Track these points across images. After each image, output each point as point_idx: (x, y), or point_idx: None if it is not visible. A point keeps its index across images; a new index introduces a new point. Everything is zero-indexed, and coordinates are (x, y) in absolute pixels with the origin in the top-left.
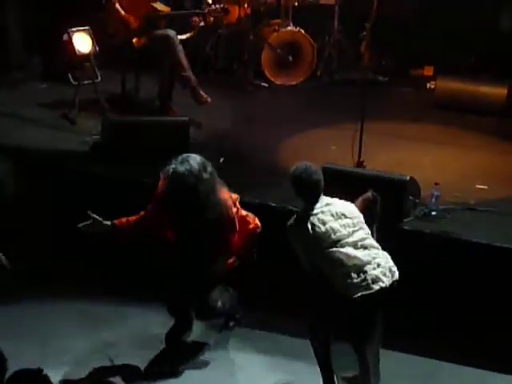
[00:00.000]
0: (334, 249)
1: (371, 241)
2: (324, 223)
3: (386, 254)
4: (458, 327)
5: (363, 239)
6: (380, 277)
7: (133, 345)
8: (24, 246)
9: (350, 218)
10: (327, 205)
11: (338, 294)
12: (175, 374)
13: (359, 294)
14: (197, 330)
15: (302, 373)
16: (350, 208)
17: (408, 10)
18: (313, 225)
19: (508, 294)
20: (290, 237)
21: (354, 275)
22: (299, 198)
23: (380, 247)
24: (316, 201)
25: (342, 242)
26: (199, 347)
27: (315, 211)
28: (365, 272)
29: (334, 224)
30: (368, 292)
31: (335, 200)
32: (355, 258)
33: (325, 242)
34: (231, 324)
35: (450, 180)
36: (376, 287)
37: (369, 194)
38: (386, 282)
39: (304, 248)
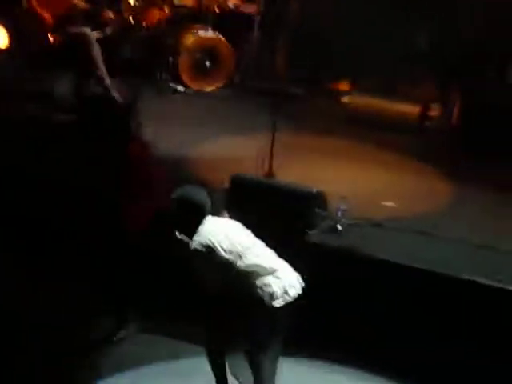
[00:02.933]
0: (246, 261)
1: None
2: (228, 238)
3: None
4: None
5: (264, 247)
6: (293, 283)
7: None
8: None
9: (244, 230)
10: (218, 221)
11: (249, 305)
12: None
13: (281, 302)
14: None
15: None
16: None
17: (328, 23)
18: (218, 242)
19: (409, 309)
20: (196, 261)
21: (272, 283)
22: (187, 221)
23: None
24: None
25: (249, 252)
26: None
27: (212, 228)
28: (280, 278)
29: (236, 237)
30: (288, 298)
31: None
32: (269, 266)
33: (232, 255)
34: None
35: (358, 195)
36: (293, 293)
37: None
38: (299, 288)
39: (213, 268)
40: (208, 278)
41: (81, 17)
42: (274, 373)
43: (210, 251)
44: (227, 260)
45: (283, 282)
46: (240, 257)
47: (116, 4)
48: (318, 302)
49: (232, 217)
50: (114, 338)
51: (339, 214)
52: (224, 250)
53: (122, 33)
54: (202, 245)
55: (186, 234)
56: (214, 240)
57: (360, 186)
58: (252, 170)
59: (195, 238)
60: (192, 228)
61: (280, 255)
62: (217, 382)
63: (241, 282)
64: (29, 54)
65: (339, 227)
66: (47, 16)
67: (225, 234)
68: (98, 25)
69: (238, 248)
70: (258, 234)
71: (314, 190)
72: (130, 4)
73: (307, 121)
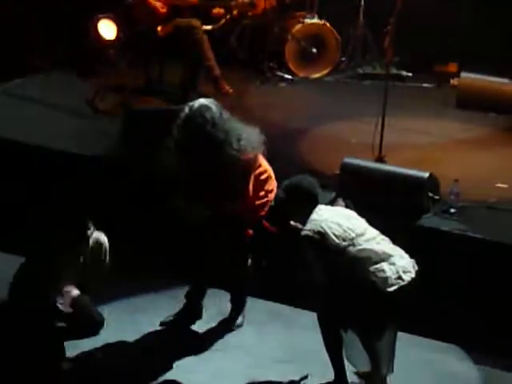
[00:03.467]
0: (359, 247)
1: (383, 235)
2: (339, 225)
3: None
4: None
5: (378, 234)
6: (407, 267)
7: None
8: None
9: (356, 217)
10: (330, 210)
11: (362, 290)
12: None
13: (395, 287)
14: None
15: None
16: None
17: (433, 5)
18: (330, 228)
19: None
20: (309, 247)
21: (386, 269)
22: (300, 209)
23: None
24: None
25: (361, 238)
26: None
27: (325, 216)
28: (394, 264)
29: (348, 223)
30: (402, 283)
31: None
32: (382, 251)
33: (346, 242)
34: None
35: (470, 178)
36: (407, 278)
37: None
38: (413, 272)
39: (322, 254)
40: (318, 265)
41: (190, 9)
42: (390, 357)
43: (322, 238)
44: (339, 246)
45: (397, 267)
46: (353, 243)
47: None
48: (431, 286)
49: (347, 205)
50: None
51: (452, 197)
52: (336, 237)
53: (230, 24)
54: (315, 231)
55: (299, 222)
56: (325, 227)
57: (472, 169)
58: (362, 154)
59: (307, 225)
60: (304, 216)
61: (393, 240)
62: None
63: (353, 268)
64: (138, 45)
65: (452, 210)
66: (157, 8)
67: (336, 220)
68: (207, 17)
69: (350, 234)
70: (370, 218)
71: (426, 174)
72: None
73: (416, 104)
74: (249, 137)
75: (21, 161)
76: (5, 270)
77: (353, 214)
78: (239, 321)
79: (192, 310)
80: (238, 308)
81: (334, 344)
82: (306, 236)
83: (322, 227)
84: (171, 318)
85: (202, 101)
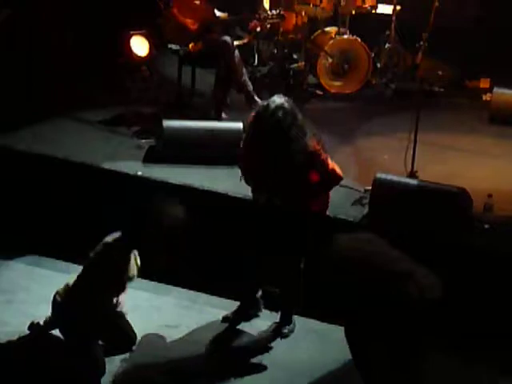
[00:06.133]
0: None
1: None
2: None
3: None
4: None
5: None
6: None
7: None
8: None
9: None
10: None
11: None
12: None
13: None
14: None
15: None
16: None
17: (466, 21)
18: None
19: None
20: None
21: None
22: None
23: None
24: None
25: None
26: None
27: None
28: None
29: None
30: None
31: None
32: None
33: None
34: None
35: (504, 192)
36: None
37: None
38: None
39: None
40: None
41: (221, 26)
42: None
43: None
44: None
45: (421, 283)
46: None
47: (255, 12)
48: (465, 301)
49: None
50: None
51: (486, 212)
52: None
53: (261, 39)
54: None
55: None
56: None
57: (506, 184)
58: (395, 170)
59: None
60: None
61: (426, 257)
62: None
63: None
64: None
65: (486, 226)
66: (189, 25)
67: None
68: (238, 33)
69: None
70: (401, 233)
71: (459, 190)
72: (267, 11)
73: (448, 120)
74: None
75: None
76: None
77: None
78: (290, 327)
79: (250, 305)
80: (288, 311)
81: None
82: None
83: None
84: (232, 314)
85: (278, 98)
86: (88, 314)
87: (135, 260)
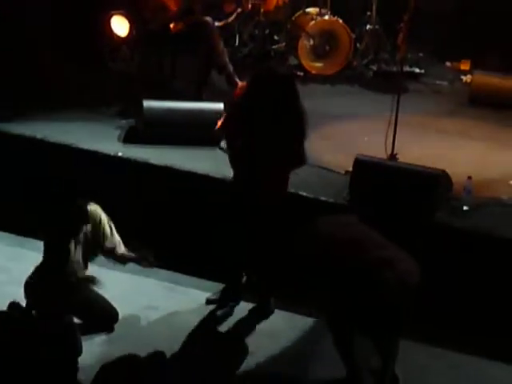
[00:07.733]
0: None
1: None
2: None
3: None
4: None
5: None
6: (412, 269)
7: None
8: None
9: None
10: None
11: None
12: None
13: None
14: None
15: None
16: None
17: (447, 2)
18: None
19: None
20: None
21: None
22: None
23: None
24: None
25: None
26: None
27: None
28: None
29: None
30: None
31: None
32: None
33: None
34: None
35: (483, 175)
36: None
37: None
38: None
39: None
40: None
41: (202, 7)
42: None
43: None
44: None
45: (400, 269)
46: None
47: None
48: (443, 284)
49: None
50: None
51: (465, 194)
52: None
53: (242, 20)
54: None
55: None
56: None
57: (485, 166)
58: (375, 152)
59: None
60: None
61: (405, 238)
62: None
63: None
64: (150, 42)
65: (465, 208)
66: (169, 5)
67: None
68: (219, 14)
69: None
70: (382, 216)
71: (439, 171)
72: None
73: (429, 101)
74: None
75: None
76: None
77: None
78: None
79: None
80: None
81: (345, 343)
82: None
83: None
84: (216, 296)
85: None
86: (57, 288)
87: (110, 230)
